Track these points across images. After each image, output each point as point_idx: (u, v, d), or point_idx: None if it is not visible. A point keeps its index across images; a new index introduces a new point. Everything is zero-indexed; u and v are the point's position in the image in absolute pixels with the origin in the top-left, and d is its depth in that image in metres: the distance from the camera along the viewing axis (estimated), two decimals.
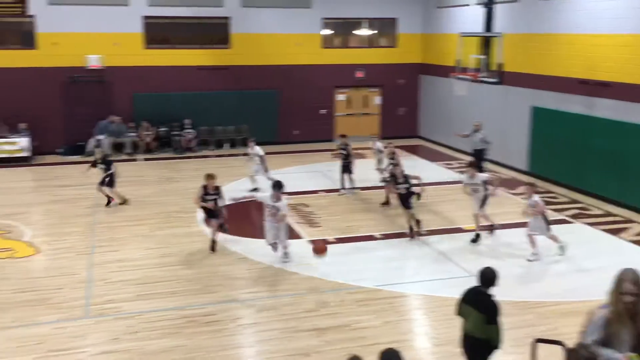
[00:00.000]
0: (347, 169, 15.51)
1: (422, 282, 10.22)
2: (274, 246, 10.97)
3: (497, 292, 6.26)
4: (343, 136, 16.23)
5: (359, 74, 23.45)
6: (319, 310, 9.03)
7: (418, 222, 12.30)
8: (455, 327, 6.73)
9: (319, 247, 10.06)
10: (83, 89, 20.72)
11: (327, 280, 10.18)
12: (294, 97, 22.70)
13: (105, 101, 20.99)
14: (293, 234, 12.56)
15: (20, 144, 19.54)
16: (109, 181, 14.41)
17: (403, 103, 24.08)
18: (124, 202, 14.67)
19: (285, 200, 10.66)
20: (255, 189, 15.19)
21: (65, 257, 11.26)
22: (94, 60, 20.61)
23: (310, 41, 22.65)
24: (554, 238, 11.11)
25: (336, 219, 13.65)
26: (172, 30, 22.04)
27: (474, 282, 6.37)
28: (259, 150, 15.73)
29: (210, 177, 11.53)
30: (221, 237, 11.92)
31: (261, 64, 22.20)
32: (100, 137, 20.59)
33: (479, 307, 6.11)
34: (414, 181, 12.40)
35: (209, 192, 11.53)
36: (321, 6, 22.46)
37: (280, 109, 22.76)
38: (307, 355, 7.80)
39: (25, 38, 20.50)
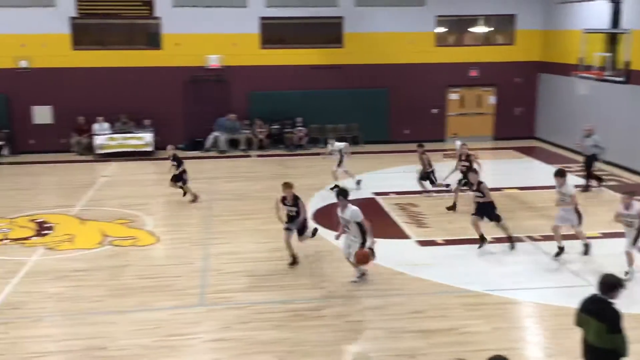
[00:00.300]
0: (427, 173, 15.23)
1: (535, 289, 9.80)
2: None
3: (620, 303, 5.87)
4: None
5: (473, 73, 22.85)
6: (425, 312, 8.91)
7: (507, 230, 11.51)
8: (570, 338, 6.41)
9: (361, 257, 9.29)
10: (203, 87, 21.68)
11: (435, 282, 10.02)
12: (405, 96, 22.51)
13: (223, 99, 21.85)
14: (401, 234, 12.48)
15: (145, 139, 20.77)
16: (180, 178, 14.89)
17: (519, 102, 23.19)
18: (194, 199, 14.97)
19: (353, 208, 9.43)
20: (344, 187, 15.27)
21: (182, 247, 11.84)
22: (213, 60, 21.52)
23: (423, 39, 22.36)
24: None
25: (446, 220, 13.39)
26: (287, 30, 22.56)
27: (592, 291, 6.03)
28: (339, 145, 15.89)
29: (288, 186, 10.44)
30: (329, 234, 12.02)
31: (373, 62, 22.20)
32: (217, 133, 21.50)
33: (599, 316, 5.77)
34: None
35: (287, 204, 10.52)
36: (435, 3, 22.10)
37: (391, 107, 22.65)
38: (412, 357, 7.72)
39: (151, 39, 21.76)
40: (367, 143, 21.35)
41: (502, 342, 8.05)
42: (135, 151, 20.57)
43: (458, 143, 15.65)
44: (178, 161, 15.00)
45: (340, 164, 15.83)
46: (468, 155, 14.34)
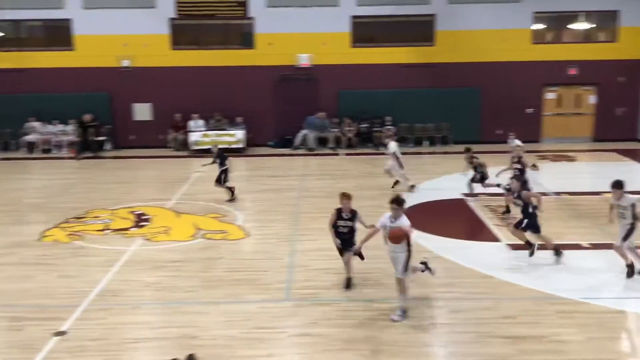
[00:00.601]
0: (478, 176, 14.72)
1: (634, 299, 9.28)
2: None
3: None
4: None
5: (572, 71, 21.93)
6: (516, 318, 8.64)
7: (530, 245, 10.77)
8: None
9: (395, 235, 8.42)
10: (293, 86, 22.01)
11: (526, 287, 9.69)
12: (498, 95, 21.93)
13: (312, 98, 22.10)
14: (491, 237, 12.16)
15: (237, 136, 21.36)
16: (224, 177, 14.98)
17: (622, 103, 22.06)
18: (232, 199, 15.03)
19: (406, 220, 8.52)
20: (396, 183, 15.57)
21: (271, 243, 12.07)
22: (304, 59, 21.80)
23: (518, 37, 21.69)
24: None
25: (540, 223, 12.90)
26: (378, 28, 22.51)
27: None
28: (393, 146, 15.72)
29: (346, 197, 9.48)
30: (416, 234, 11.86)
31: (464, 61, 21.78)
32: (306, 131, 21.77)
33: None
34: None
35: (344, 217, 9.53)
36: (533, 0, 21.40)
37: (483, 107, 22.12)
38: None
39: (245, 39, 22.33)
40: (456, 143, 20.93)
41: (598, 353, 7.68)
42: (227, 148, 21.16)
43: (515, 142, 15.14)
44: (222, 159, 15.07)
45: (399, 165, 15.75)
46: (520, 158, 13.76)
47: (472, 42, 21.70)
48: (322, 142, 22.01)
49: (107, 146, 21.92)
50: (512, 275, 10.11)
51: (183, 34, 22.36)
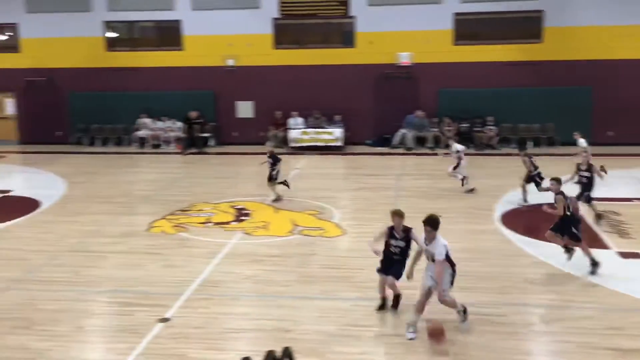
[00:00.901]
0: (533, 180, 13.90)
1: None
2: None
3: None
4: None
5: None
6: (623, 329, 8.16)
7: (569, 249, 10.09)
8: None
9: (434, 332, 7.72)
10: (392, 84, 21.90)
11: (636, 299, 9.13)
12: (612, 95, 20.77)
13: (412, 97, 21.89)
14: (600, 244, 11.54)
15: (335, 134, 21.52)
16: (275, 176, 14.92)
17: None
18: (277, 199, 14.93)
19: (442, 243, 7.97)
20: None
21: (367, 241, 12.03)
22: (404, 58, 21.63)
23: (638, 32, 20.42)
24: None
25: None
26: (482, 25, 21.95)
27: None
28: (458, 146, 15.43)
29: (397, 215, 8.65)
30: (518, 238, 11.50)
31: (574, 58, 20.80)
32: (404, 130, 21.60)
33: None
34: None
35: (396, 236, 8.69)
36: None
37: (595, 107, 21.02)
38: None
39: (346, 37, 22.45)
40: (564, 145, 20.03)
41: None
42: (325, 145, 21.39)
43: (583, 143, 14.21)
44: (274, 160, 15.04)
45: (457, 167, 15.42)
46: (590, 165, 12.57)
47: (584, 39, 20.69)
48: (420, 141, 21.76)
49: (211, 142, 22.75)
50: (620, 285, 9.56)
51: (285, 33, 22.80)
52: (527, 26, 21.51)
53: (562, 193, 10.21)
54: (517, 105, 21.43)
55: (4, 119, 24.16)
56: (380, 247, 8.81)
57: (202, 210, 14.29)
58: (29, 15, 22.93)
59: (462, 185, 15.51)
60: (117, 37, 23.47)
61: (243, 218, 13.73)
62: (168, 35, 23.18)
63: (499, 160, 19.38)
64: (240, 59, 22.42)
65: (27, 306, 9.21)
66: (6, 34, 23.64)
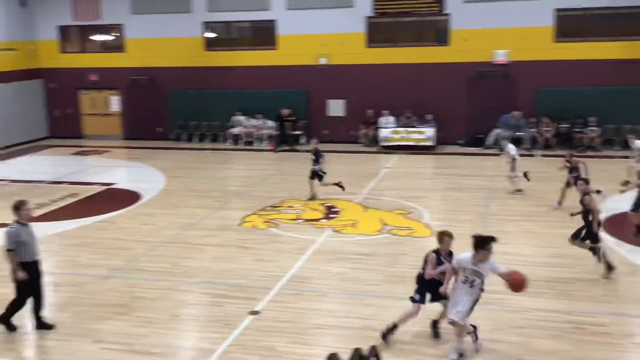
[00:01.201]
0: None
1: None
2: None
3: None
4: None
5: None
6: None
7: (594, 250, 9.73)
8: None
9: (515, 282, 7.45)
10: (487, 83, 21.33)
11: None
12: None
13: (507, 96, 21.24)
14: None
15: (427, 133, 21.22)
16: (315, 174, 14.82)
17: None
18: (312, 197, 14.78)
19: (494, 263, 7.57)
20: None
21: (457, 243, 11.81)
22: (500, 56, 21.02)
23: None
24: None
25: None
26: (585, 21, 20.96)
27: None
28: (512, 148, 15.32)
29: (447, 236, 8.01)
30: (620, 245, 10.91)
31: None
32: (499, 130, 20.98)
33: None
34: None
35: (442, 260, 7.97)
36: None
37: None
38: None
39: (440, 35, 22.09)
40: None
41: None
42: (416, 145, 21.15)
43: (637, 145, 13.07)
44: (317, 156, 15.00)
45: (513, 168, 15.02)
46: None
47: None
48: (516, 142, 21.03)
49: (303, 140, 23.05)
50: None
51: (378, 31, 22.72)
52: (634, 22, 20.32)
53: (588, 195, 10.09)
54: (623, 104, 20.31)
55: (110, 116, 25.55)
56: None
57: (292, 206, 14.52)
58: (134, 17, 24.09)
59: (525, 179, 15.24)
60: (215, 37, 24.23)
61: (332, 216, 13.83)
62: (263, 34, 23.67)
63: (601, 162, 18.44)
64: (333, 57, 22.55)
65: (127, 293, 9.71)
66: (113, 34, 24.97)
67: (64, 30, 25.09)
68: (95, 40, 25.22)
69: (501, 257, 10.86)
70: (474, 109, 21.63)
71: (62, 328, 8.62)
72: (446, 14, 21.54)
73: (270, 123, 23.08)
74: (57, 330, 8.58)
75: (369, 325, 8.46)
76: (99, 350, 7.97)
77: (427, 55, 21.85)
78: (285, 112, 22.58)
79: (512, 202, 14.38)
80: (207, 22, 23.66)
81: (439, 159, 20.26)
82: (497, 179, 16.89)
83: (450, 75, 21.58)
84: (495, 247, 11.37)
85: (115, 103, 25.31)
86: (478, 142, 21.41)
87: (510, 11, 20.72)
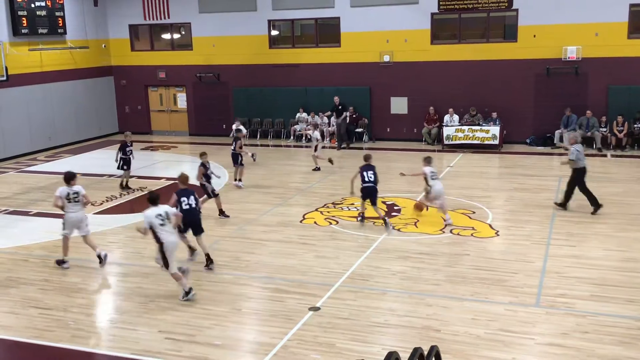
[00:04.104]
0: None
1: None
2: None
3: None
4: None
5: None
6: None
7: None
8: None
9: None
10: (556, 80, 20.70)
11: None
12: None
13: (577, 94, 20.55)
14: None
15: (492, 132, 20.76)
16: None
17: None
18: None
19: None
20: None
21: (521, 244, 11.56)
22: (571, 52, 20.34)
23: None
24: None
25: None
26: None
27: None
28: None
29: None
30: None
31: None
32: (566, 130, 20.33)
33: None
34: None
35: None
36: None
37: None
38: None
39: (508, 31, 21.57)
40: None
41: None
42: (481, 144, 20.74)
43: None
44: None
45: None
46: None
47: None
48: (587, 142, 20.33)
49: (365, 138, 22.98)
50: None
51: (443, 28, 22.40)
52: None
53: None
54: None
55: (177, 112, 26.20)
56: None
57: (353, 204, 14.50)
58: (201, 15, 24.59)
59: None
60: (279, 34, 24.46)
61: (393, 214, 13.73)
62: (327, 32, 23.72)
63: None
64: (396, 54, 22.37)
65: (192, 285, 9.93)
66: (181, 32, 25.57)
67: (134, 29, 25.89)
68: (164, 39, 25.91)
69: (568, 259, 10.62)
70: (541, 107, 21.03)
71: (129, 317, 8.91)
72: (515, 10, 21.00)
73: (333, 120, 23.12)
74: (123, 318, 8.88)
75: (430, 325, 8.37)
76: (163, 340, 8.19)
77: (494, 52, 21.38)
78: (337, 99, 22.38)
79: (581, 204, 13.89)
80: (272, 20, 23.90)
81: (504, 158, 19.80)
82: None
83: (517, 73, 21.05)
84: (563, 249, 11.14)
85: (182, 100, 25.94)
86: (546, 141, 20.81)
87: (582, 6, 20.02)
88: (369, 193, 12.66)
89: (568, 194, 13.48)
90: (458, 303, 9.08)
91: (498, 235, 12.17)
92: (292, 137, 23.66)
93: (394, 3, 22.03)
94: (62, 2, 23.07)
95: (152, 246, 11.87)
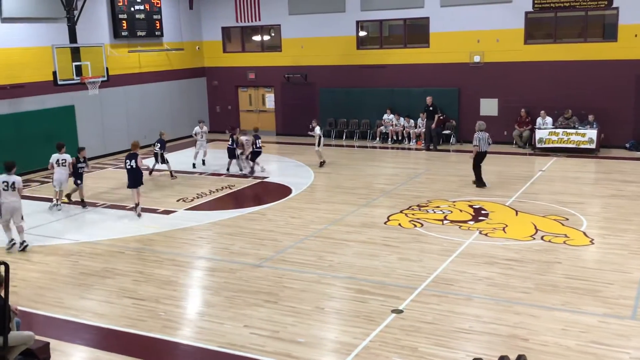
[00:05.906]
0: None
1: None
2: None
3: None
4: None
5: None
6: None
7: None
8: None
9: None
10: None
11: None
12: None
13: None
14: None
15: (588, 135, 19.84)
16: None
17: None
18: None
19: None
20: None
21: (618, 254, 10.99)
22: None
23: None
24: None
25: None
26: None
27: None
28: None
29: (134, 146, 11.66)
30: None
31: None
32: None
33: None
34: None
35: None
36: None
37: None
38: None
39: (607, 30, 20.57)
40: None
41: None
42: (576, 147, 19.89)
43: None
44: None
45: None
46: None
47: None
48: None
49: (452, 140, 22.57)
50: None
51: (538, 27, 21.64)
52: None
53: None
54: None
55: (265, 112, 26.73)
56: None
57: (439, 207, 14.28)
58: (290, 17, 24.96)
59: None
60: (366, 35, 24.44)
61: (481, 218, 13.41)
62: (415, 32, 23.48)
63: None
64: (487, 55, 21.83)
65: (275, 283, 10.11)
66: (271, 34, 26.06)
67: (226, 31, 26.64)
68: (254, 40, 26.49)
69: None
70: None
71: (216, 311, 9.18)
72: (615, 8, 19.99)
73: (420, 122, 22.85)
74: (211, 312, 9.15)
75: (517, 334, 8.11)
76: (248, 335, 8.37)
77: (592, 52, 20.44)
78: (429, 100, 22.05)
79: None
80: (360, 21, 23.91)
81: (600, 163, 18.89)
82: None
83: (617, 73, 20.03)
84: None
85: (270, 100, 26.43)
86: None
87: None
88: None
89: None
90: (548, 312, 8.75)
91: (593, 243, 11.63)
92: (377, 139, 23.58)
93: (486, 2, 21.50)
94: (159, 5, 24.08)
95: (240, 242, 12.21)
